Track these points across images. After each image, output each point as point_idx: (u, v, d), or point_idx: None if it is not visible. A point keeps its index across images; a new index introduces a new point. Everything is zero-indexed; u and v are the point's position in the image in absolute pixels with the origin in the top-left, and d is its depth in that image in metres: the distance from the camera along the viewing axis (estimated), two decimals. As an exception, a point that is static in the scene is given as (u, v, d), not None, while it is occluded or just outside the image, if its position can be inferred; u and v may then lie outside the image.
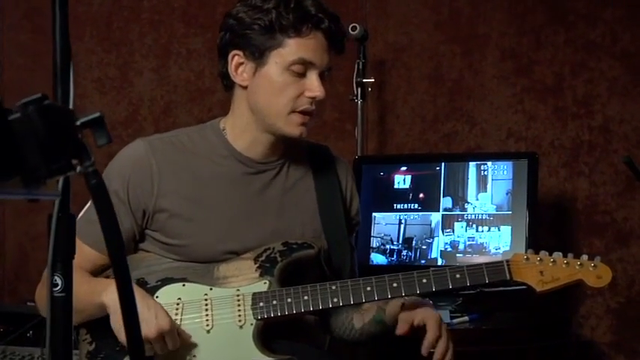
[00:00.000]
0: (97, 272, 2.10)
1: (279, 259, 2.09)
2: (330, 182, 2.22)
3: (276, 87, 2.04)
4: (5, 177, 0.99)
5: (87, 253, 2.04)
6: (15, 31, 3.69)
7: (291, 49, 2.02)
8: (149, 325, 1.96)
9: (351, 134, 3.36)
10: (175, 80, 3.65)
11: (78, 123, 1.06)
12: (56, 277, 1.34)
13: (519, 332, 2.87)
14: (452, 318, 2.78)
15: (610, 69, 3.23)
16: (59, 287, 1.34)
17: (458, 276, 2.06)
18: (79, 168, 1.06)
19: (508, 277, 2.06)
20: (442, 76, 3.44)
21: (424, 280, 2.06)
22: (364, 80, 3.22)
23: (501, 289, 2.83)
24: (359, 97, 3.22)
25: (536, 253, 2.09)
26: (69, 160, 1.05)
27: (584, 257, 2.07)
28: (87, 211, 2.07)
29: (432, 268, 2.09)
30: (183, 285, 2.08)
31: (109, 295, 1.98)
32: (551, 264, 2.07)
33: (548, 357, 2.88)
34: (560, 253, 2.09)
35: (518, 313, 3.08)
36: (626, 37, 3.21)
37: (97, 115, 1.08)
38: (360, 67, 3.21)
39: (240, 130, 2.13)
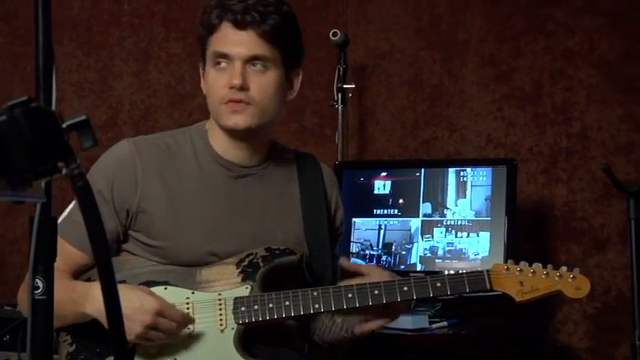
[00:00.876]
0: (78, 272, 2.11)
1: (261, 264, 2.11)
2: (316, 190, 2.24)
3: (209, 84, 2.11)
4: (-9, 179, 1.00)
5: (70, 252, 2.05)
6: (-7, 34, 3.69)
7: (211, 45, 2.09)
8: (140, 311, 1.98)
9: (331, 140, 3.37)
10: (155, 84, 3.66)
11: (64, 125, 1.07)
12: (37, 280, 1.35)
13: (497, 337, 2.90)
14: (431, 323, 2.79)
15: (588, 77, 3.26)
16: (40, 290, 1.35)
17: (439, 285, 2.09)
18: (64, 170, 1.07)
19: (488, 286, 2.10)
20: (422, 82, 3.46)
21: (405, 288, 2.09)
22: (345, 86, 3.23)
23: (480, 294, 2.85)
24: (339, 103, 3.24)
25: (517, 263, 2.13)
26: (55, 162, 1.06)
27: (564, 268, 2.10)
28: (71, 212, 2.08)
29: (412, 276, 2.11)
30: (165, 288, 2.09)
31: (91, 305, 2.00)
32: (530, 274, 2.10)
33: (527, 363, 2.91)
34: (540, 264, 2.12)
35: (497, 319, 3.11)
36: (604, 46, 3.24)
37: (83, 117, 1.09)
38: (341, 72, 3.23)
39: (215, 133, 2.16)
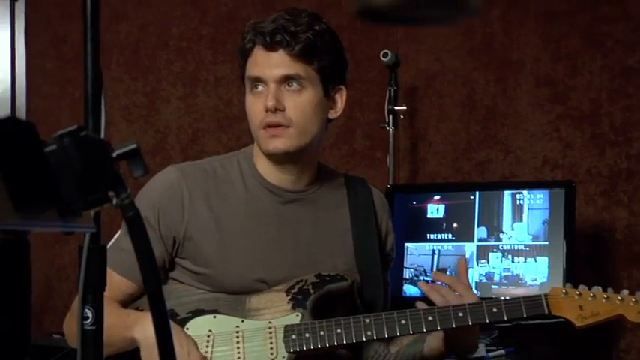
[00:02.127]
0: (126, 301, 2.11)
1: (311, 291, 2.10)
2: (366, 215, 2.22)
3: (248, 109, 2.13)
4: (41, 209, 1.00)
5: (117, 281, 2.06)
6: (41, 58, 3.74)
7: (246, 71, 2.11)
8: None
9: (382, 163, 3.37)
10: (203, 108, 3.68)
11: (114, 155, 1.08)
12: (87, 310, 1.36)
13: (557, 367, 2.85)
14: (487, 351, 2.76)
15: (648, 95, 3.22)
16: (90, 320, 1.36)
17: (495, 310, 2.07)
18: (115, 200, 1.08)
19: (546, 311, 2.07)
20: (475, 103, 3.44)
21: (460, 314, 2.06)
22: (396, 107, 3.23)
23: (538, 321, 2.82)
24: (390, 125, 3.23)
25: (575, 286, 2.09)
26: (105, 192, 1.06)
27: (625, 292, 2.06)
28: (118, 239, 2.10)
29: (468, 303, 2.08)
30: (214, 317, 2.09)
31: (140, 330, 1.99)
32: (590, 298, 2.07)
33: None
34: (600, 288, 2.09)
35: (556, 347, 3.06)
36: (665, 63, 3.20)
37: (133, 146, 1.09)
38: (392, 94, 3.22)
39: (260, 158, 2.16)
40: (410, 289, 3.00)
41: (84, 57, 1.50)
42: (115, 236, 2.12)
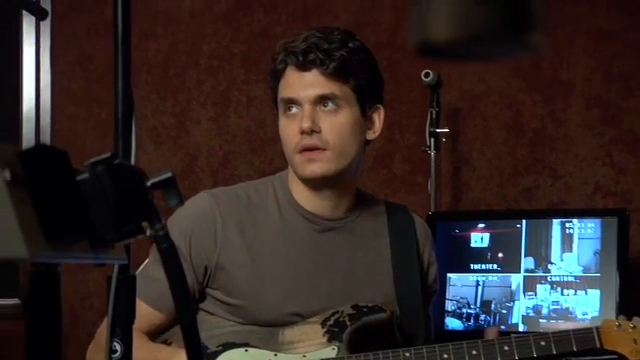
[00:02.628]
0: (153, 332, 2.13)
1: (348, 323, 2.10)
2: (408, 245, 2.22)
3: (281, 132, 2.14)
4: (73, 240, 1.02)
5: (145, 311, 2.07)
6: (67, 78, 3.78)
7: (279, 93, 2.12)
8: None
9: (422, 188, 3.36)
10: (235, 129, 3.70)
11: (148, 184, 1.09)
12: (115, 344, 1.37)
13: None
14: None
15: None
16: (118, 354, 1.37)
17: (543, 343, 2.06)
18: (149, 231, 1.09)
19: (598, 345, 2.06)
20: (522, 126, 3.43)
21: (506, 348, 2.06)
22: (438, 130, 3.22)
23: (589, 358, 2.79)
24: (432, 148, 3.23)
25: (629, 319, 2.08)
26: (139, 222, 1.07)
27: None
28: (146, 267, 2.11)
29: (513, 335, 2.08)
30: (246, 350, 2.09)
31: None
32: None
33: None
34: None
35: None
36: None
37: (168, 175, 1.10)
38: (434, 115, 3.22)
39: (295, 184, 2.17)
40: (452, 323, 2.98)
41: (114, 77, 1.52)
42: (144, 264, 2.14)
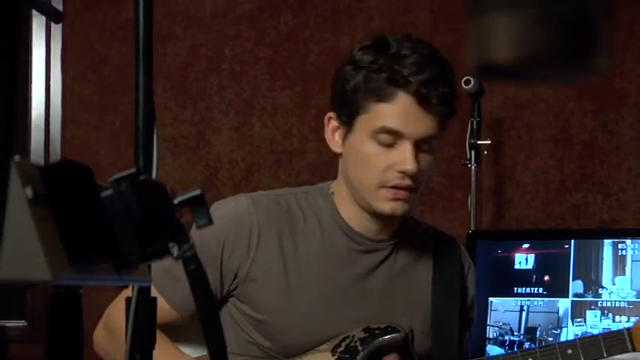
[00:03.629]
0: (168, 328, 2.14)
1: (359, 347, 2.11)
2: (451, 277, 2.24)
3: (361, 157, 2.07)
4: (96, 262, 1.04)
5: (167, 311, 2.09)
6: (79, 83, 3.82)
7: (377, 115, 2.04)
8: None
9: (462, 204, 3.37)
10: (259, 140, 3.73)
11: (175, 201, 1.11)
12: (135, 372, 1.39)
13: None
14: None
15: None
16: (138, 381, 1.39)
17: (570, 351, 2.08)
18: (176, 252, 1.11)
19: (630, 347, 2.07)
20: (570, 138, 3.44)
21: None
22: (479, 142, 3.23)
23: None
24: (472, 161, 3.23)
25: None
26: (165, 243, 1.10)
27: None
28: (170, 262, 2.12)
29: (539, 347, 2.09)
30: None
31: None
32: None
33: None
34: None
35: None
36: None
37: (197, 192, 1.12)
38: (474, 126, 3.23)
39: (343, 200, 2.17)
40: (494, 350, 2.98)
41: (135, 84, 1.53)
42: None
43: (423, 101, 2.02)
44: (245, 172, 3.73)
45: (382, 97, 2.03)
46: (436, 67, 2.05)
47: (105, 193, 1.08)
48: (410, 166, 2.03)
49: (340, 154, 2.14)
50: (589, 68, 0.58)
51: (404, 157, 2.03)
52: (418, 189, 2.09)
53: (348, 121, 2.08)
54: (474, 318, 2.34)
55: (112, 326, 2.16)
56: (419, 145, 2.05)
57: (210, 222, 1.12)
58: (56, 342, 1.06)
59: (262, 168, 3.72)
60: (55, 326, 1.06)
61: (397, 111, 2.03)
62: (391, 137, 2.04)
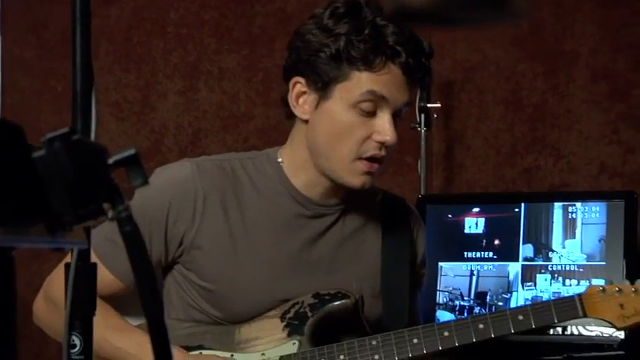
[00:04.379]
0: (110, 299, 2.14)
1: (309, 314, 2.13)
2: (401, 240, 2.26)
3: (339, 127, 2.07)
4: (28, 223, 1.04)
5: (108, 280, 2.09)
6: (19, 47, 3.79)
7: (360, 83, 2.05)
8: None
9: (412, 168, 3.39)
10: (205, 104, 3.72)
11: (110, 161, 1.11)
12: (74, 338, 1.38)
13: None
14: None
15: None
16: (77, 349, 1.38)
17: (521, 317, 2.10)
18: (110, 213, 1.11)
19: (581, 314, 2.10)
20: (521, 101, 3.46)
21: (481, 326, 2.09)
22: (429, 105, 3.25)
23: (593, 354, 2.83)
24: (422, 125, 3.25)
25: (632, 282, 2.12)
26: (99, 203, 1.09)
27: None
28: (110, 228, 2.10)
29: (490, 313, 2.12)
30: (200, 353, 2.12)
31: None
32: (633, 294, 2.10)
33: None
34: None
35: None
36: None
37: (131, 152, 1.12)
38: (424, 89, 3.24)
39: (298, 167, 2.17)
40: (443, 316, 3.02)
41: (72, 46, 1.52)
42: (107, 223, 2.11)
43: (408, 72, 2.06)
44: (191, 137, 3.72)
45: (370, 67, 2.04)
46: (415, 38, 2.10)
47: (37, 153, 1.07)
48: (390, 136, 2.06)
49: (305, 121, 2.13)
50: (506, 11, 0.59)
51: (384, 127, 2.05)
52: (386, 162, 2.11)
53: (322, 88, 2.08)
54: (424, 275, 2.35)
55: (51, 296, 2.15)
56: (395, 115, 2.08)
57: (145, 182, 1.12)
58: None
59: (209, 133, 3.71)
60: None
61: (384, 80, 2.05)
62: (373, 105, 2.05)
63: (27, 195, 1.03)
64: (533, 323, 2.10)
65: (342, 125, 2.07)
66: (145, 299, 1.12)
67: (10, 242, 1.03)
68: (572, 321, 2.77)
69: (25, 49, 3.80)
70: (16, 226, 1.00)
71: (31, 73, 3.80)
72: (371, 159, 2.07)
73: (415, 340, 2.09)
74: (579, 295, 2.12)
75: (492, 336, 2.10)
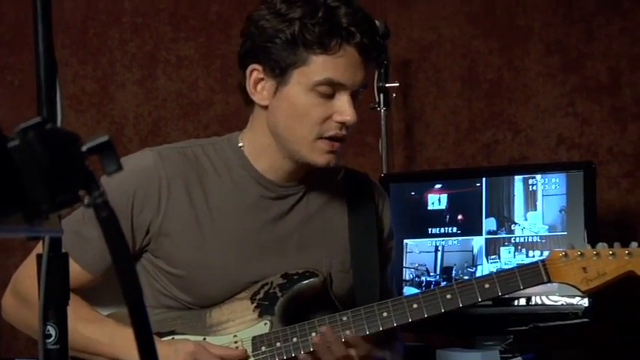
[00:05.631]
0: (79, 291, 2.15)
1: (279, 294, 2.15)
2: (366, 214, 2.28)
3: (299, 110, 2.09)
4: (5, 213, 1.04)
5: (78, 273, 2.11)
6: (-28, 43, 3.77)
7: (317, 67, 2.07)
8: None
9: (373, 148, 3.41)
10: (164, 93, 3.72)
11: (84, 149, 1.12)
12: (49, 327, 1.38)
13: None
14: (503, 359, 2.82)
15: (675, 60, 3.28)
16: (53, 338, 1.38)
17: (487, 286, 2.13)
18: (86, 199, 1.12)
19: (545, 279, 2.13)
20: (478, 77, 3.49)
21: (448, 296, 2.12)
22: (387, 85, 3.27)
23: (559, 323, 2.87)
24: (381, 105, 3.27)
25: (593, 246, 2.15)
26: (75, 191, 1.10)
27: (634, 244, 2.12)
28: (76, 222, 2.12)
29: (456, 282, 2.14)
30: (172, 338, 2.14)
31: (130, 355, 2.07)
32: (594, 257, 2.13)
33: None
34: (605, 244, 2.14)
35: (580, 352, 3.12)
36: (693, 23, 3.26)
37: (104, 139, 1.13)
38: (382, 69, 3.26)
39: (260, 151, 2.19)
40: (410, 292, 3.04)
41: (34, 36, 1.51)
42: (70, 216, 2.12)
43: (363, 52, 2.08)
44: (152, 126, 3.72)
45: (326, 50, 2.06)
46: (368, 18, 2.12)
47: (12, 144, 1.08)
48: (349, 116, 2.08)
49: (265, 107, 2.15)
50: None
51: (344, 107, 2.08)
52: (347, 139, 2.14)
53: (280, 74, 2.10)
54: (393, 247, 2.39)
55: (20, 291, 2.15)
56: (353, 95, 2.10)
57: (120, 168, 1.13)
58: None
59: (169, 122, 3.71)
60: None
61: (341, 63, 2.07)
62: (331, 89, 2.08)
63: (3, 185, 1.04)
64: (499, 291, 2.13)
65: (301, 108, 2.09)
66: (124, 283, 1.13)
67: (-12, 232, 1.03)
68: (537, 290, 2.82)
69: (-21, 45, 3.78)
70: (-5, 216, 1.01)
71: (-14, 68, 3.78)
72: (332, 138, 2.10)
73: (385, 314, 2.12)
74: (543, 260, 2.15)
75: (460, 305, 2.12)
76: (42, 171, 1.07)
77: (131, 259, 1.18)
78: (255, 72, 2.13)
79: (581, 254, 2.13)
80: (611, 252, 2.12)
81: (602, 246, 2.14)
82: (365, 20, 2.09)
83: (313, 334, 2.11)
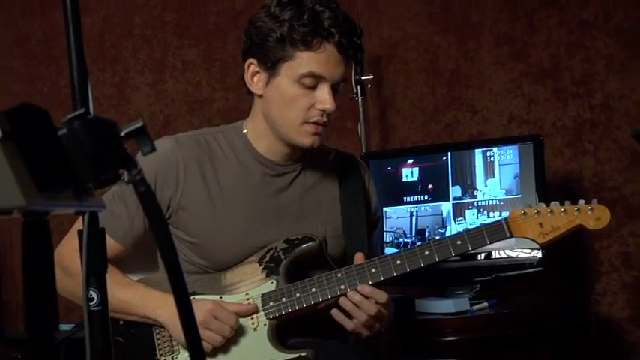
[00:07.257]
0: (113, 261, 2.15)
1: (282, 256, 2.16)
2: (355, 186, 2.28)
3: (286, 98, 2.10)
4: (59, 190, 1.05)
5: (112, 246, 2.10)
6: (7, 58, 3.74)
7: (302, 62, 2.07)
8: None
9: (353, 132, 3.42)
10: (173, 93, 3.71)
11: (122, 134, 1.12)
12: (91, 292, 1.39)
13: (538, 314, 2.92)
14: (472, 305, 2.83)
15: (605, 46, 3.29)
16: (95, 301, 1.39)
17: (459, 242, 2.14)
18: (126, 177, 1.12)
19: (508, 234, 2.14)
20: (439, 67, 3.50)
21: (427, 253, 2.13)
22: (363, 77, 3.27)
23: (517, 272, 2.89)
24: (359, 95, 3.28)
25: (547, 204, 2.16)
26: (116, 170, 1.11)
27: (581, 202, 2.13)
28: (109, 204, 2.13)
29: (432, 241, 2.15)
30: (193, 298, 2.14)
31: (164, 315, 2.11)
32: (549, 214, 2.13)
33: (570, 336, 2.94)
34: (557, 203, 2.15)
35: (536, 296, 3.15)
36: (619, 14, 3.27)
37: (139, 124, 1.13)
38: (358, 65, 3.26)
39: (259, 135, 2.19)
40: (391, 251, 3.05)
41: (67, 47, 1.51)
42: (104, 196, 2.13)
43: (342, 50, 2.08)
44: (163, 122, 3.71)
45: (309, 47, 2.06)
46: (349, 21, 2.12)
47: (61, 132, 1.08)
48: (329, 105, 2.08)
49: (260, 96, 2.16)
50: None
51: (324, 97, 2.08)
52: (329, 124, 2.13)
53: (271, 67, 2.10)
54: (378, 218, 2.39)
55: (62, 263, 2.15)
56: (334, 87, 2.10)
57: (154, 149, 1.14)
58: (32, 266, 1.07)
59: (178, 117, 3.71)
60: (28, 251, 1.06)
61: (322, 58, 2.07)
62: (314, 80, 2.08)
63: (56, 167, 1.04)
64: (469, 246, 2.13)
65: (288, 97, 2.10)
66: (161, 245, 1.13)
67: (45, 207, 1.04)
68: (498, 245, 2.83)
69: (12, 59, 3.76)
70: (51, 192, 1.01)
71: (20, 79, 3.76)
72: (316, 123, 2.11)
73: (373, 270, 2.12)
74: (505, 219, 2.15)
75: (437, 260, 2.13)
76: (87, 154, 1.08)
77: (167, 224, 1.18)
78: (251, 65, 2.14)
79: (538, 212, 2.14)
80: (562, 209, 2.13)
81: (554, 204, 2.14)
82: (345, 23, 2.10)
83: (313, 289, 2.12)
